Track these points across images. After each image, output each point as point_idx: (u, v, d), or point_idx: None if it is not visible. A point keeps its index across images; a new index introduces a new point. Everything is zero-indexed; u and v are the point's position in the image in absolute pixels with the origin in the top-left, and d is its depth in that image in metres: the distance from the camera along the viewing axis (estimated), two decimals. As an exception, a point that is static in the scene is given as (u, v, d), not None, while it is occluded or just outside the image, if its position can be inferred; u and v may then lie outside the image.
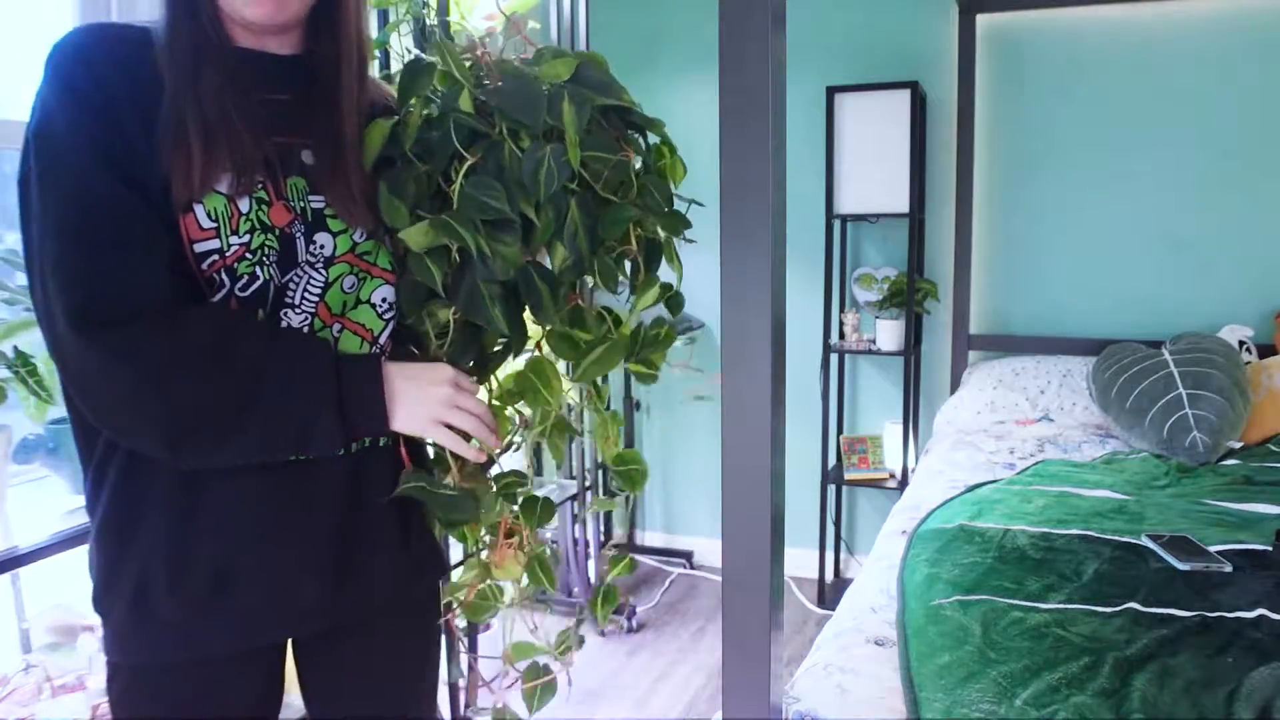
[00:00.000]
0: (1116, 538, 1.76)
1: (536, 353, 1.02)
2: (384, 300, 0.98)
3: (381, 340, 0.99)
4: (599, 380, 1.04)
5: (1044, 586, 1.54)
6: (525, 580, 1.08)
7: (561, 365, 1.02)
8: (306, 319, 0.92)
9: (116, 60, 0.84)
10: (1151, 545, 1.71)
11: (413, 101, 0.95)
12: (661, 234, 1.03)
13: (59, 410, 1.61)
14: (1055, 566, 1.62)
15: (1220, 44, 2.76)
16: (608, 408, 1.10)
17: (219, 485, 0.89)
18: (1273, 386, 2.48)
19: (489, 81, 0.93)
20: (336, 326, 0.95)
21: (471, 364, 1.02)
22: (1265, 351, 2.67)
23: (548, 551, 1.06)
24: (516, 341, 0.99)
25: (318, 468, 0.94)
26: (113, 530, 0.90)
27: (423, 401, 0.91)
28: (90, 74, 0.82)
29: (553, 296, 0.94)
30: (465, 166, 0.89)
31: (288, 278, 0.91)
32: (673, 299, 1.06)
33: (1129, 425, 2.48)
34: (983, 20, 2.97)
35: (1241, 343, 2.65)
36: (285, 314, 0.91)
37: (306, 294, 0.92)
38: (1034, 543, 1.74)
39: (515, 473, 1.05)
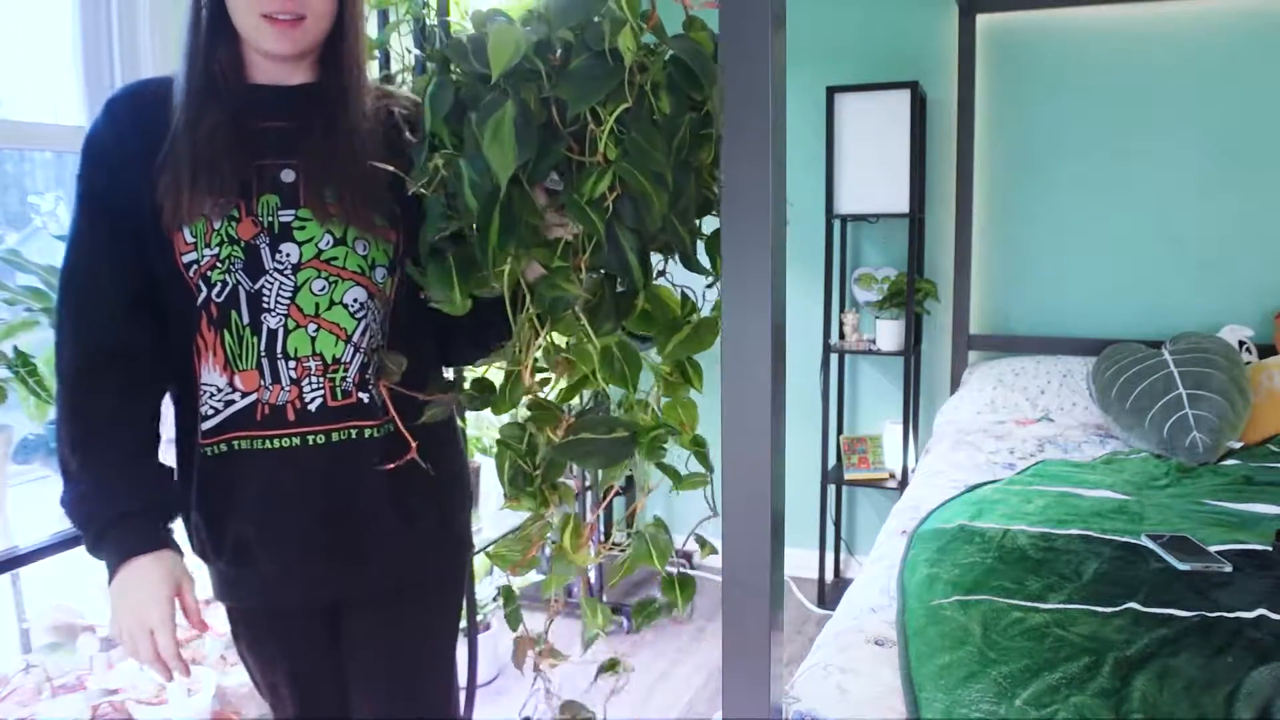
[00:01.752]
0: (1116, 538, 1.76)
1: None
2: (355, 300, 1.08)
3: (355, 337, 1.09)
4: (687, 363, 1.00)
5: (1044, 586, 1.54)
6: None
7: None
8: (281, 320, 1.06)
9: (136, 111, 1.06)
10: (1151, 545, 1.71)
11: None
12: None
13: (59, 410, 1.61)
14: (1055, 566, 1.62)
15: (1220, 44, 2.76)
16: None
17: (236, 468, 1.07)
18: (1273, 386, 2.48)
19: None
20: (312, 326, 1.07)
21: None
22: (1265, 351, 2.67)
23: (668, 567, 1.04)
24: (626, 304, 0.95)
25: (307, 455, 1.07)
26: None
27: (117, 614, 1.04)
28: (113, 128, 1.05)
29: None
30: (616, 111, 0.85)
31: (259, 284, 1.05)
32: None
33: (1129, 425, 2.49)
34: (983, 20, 2.97)
35: (1241, 343, 2.65)
36: (263, 316, 1.05)
37: (279, 298, 1.05)
38: (1034, 543, 1.74)
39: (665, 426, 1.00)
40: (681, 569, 1.00)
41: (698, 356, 1.01)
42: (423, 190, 0.93)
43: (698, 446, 1.02)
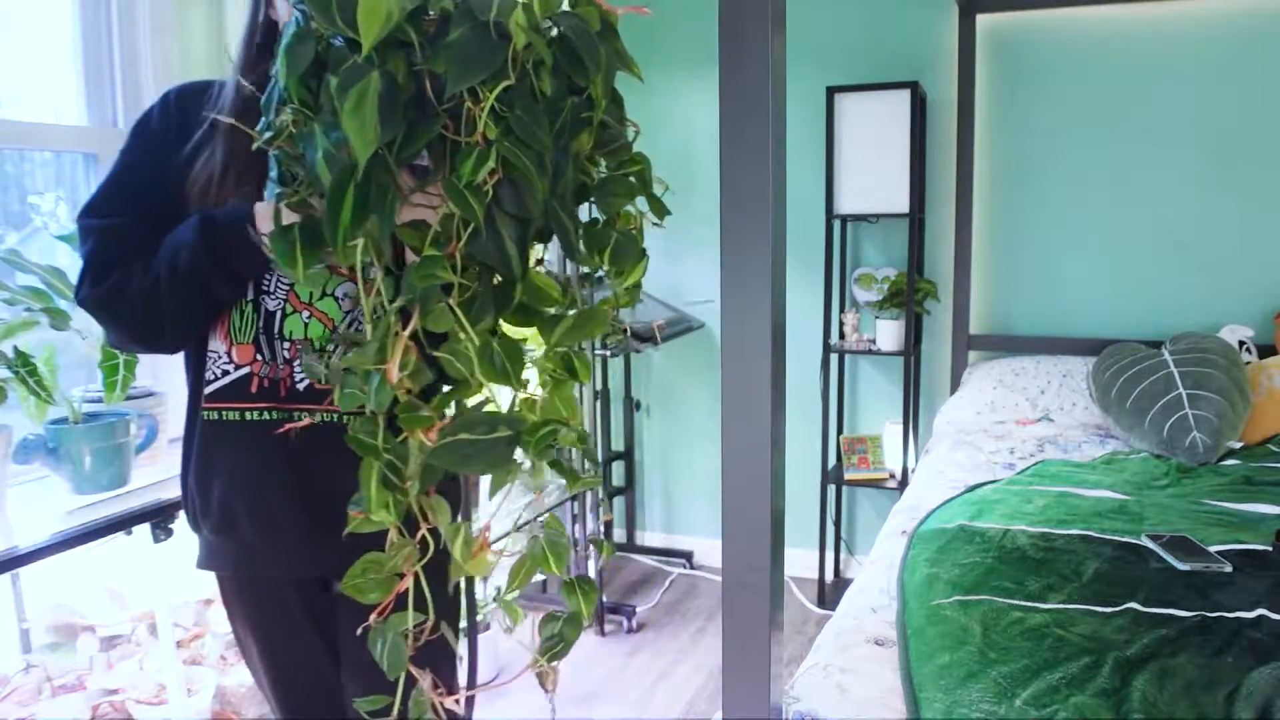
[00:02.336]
0: (1116, 538, 1.76)
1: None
2: (345, 295, 1.14)
3: (341, 328, 1.14)
4: (574, 354, 0.94)
5: (1044, 586, 1.54)
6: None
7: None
8: (280, 304, 1.13)
9: (185, 104, 1.14)
10: (1151, 545, 1.71)
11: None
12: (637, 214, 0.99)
13: (59, 410, 1.61)
14: (1055, 566, 1.62)
15: (1220, 44, 2.76)
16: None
17: (227, 436, 1.14)
18: (1273, 386, 2.48)
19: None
20: (305, 313, 1.13)
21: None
22: (1265, 351, 2.67)
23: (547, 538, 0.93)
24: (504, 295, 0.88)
25: (292, 432, 1.11)
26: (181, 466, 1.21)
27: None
28: (162, 113, 1.14)
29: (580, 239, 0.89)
30: (498, 89, 0.78)
31: (263, 270, 1.11)
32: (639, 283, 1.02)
33: (1129, 425, 2.49)
34: (983, 20, 2.97)
35: (1241, 343, 2.65)
36: (263, 298, 1.12)
37: (280, 284, 1.13)
38: (1034, 543, 1.74)
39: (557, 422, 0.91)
40: (582, 576, 0.94)
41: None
42: (266, 147, 0.86)
43: (581, 443, 0.95)
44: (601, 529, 3.36)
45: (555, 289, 0.89)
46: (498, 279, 0.86)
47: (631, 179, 0.94)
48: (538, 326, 0.89)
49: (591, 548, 2.93)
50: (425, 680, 0.88)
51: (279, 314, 1.12)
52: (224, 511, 1.15)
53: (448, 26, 0.78)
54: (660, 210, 0.99)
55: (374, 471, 0.83)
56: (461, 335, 0.82)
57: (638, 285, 0.99)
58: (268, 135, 0.85)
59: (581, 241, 0.91)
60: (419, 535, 0.87)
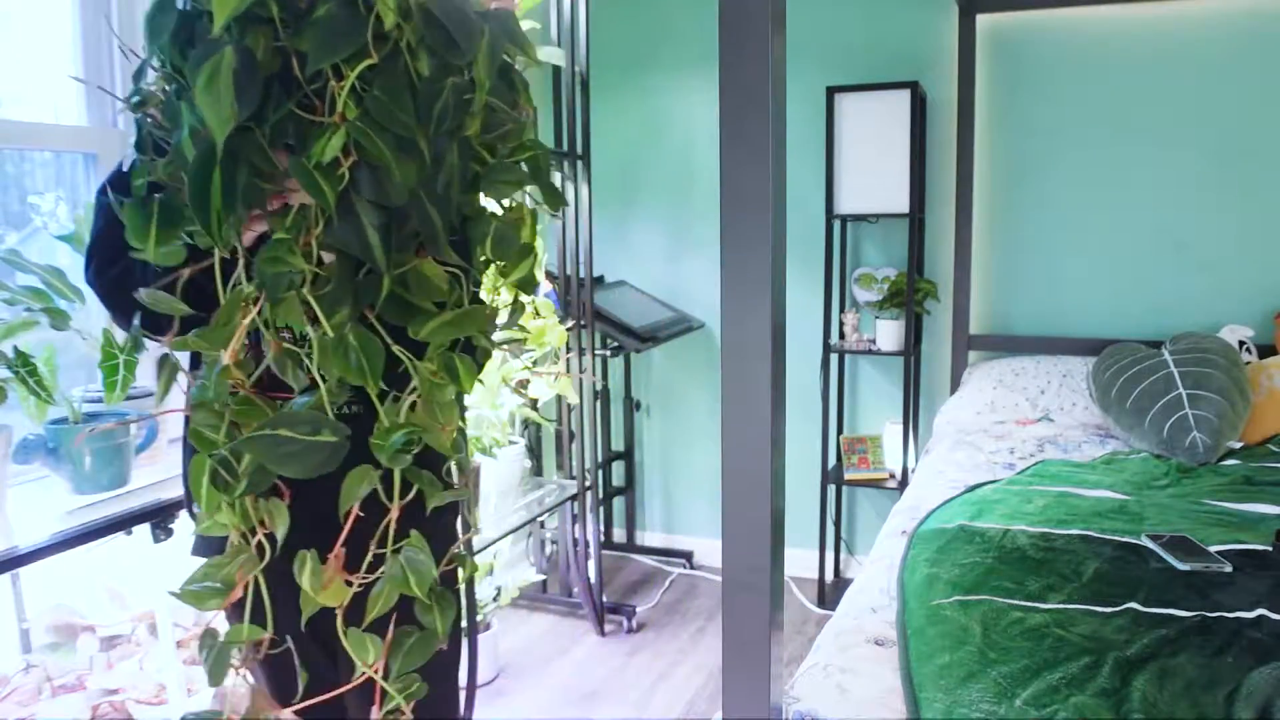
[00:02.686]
0: (1116, 538, 1.76)
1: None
2: None
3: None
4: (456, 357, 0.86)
5: (1044, 586, 1.54)
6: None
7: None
8: None
9: None
10: (1151, 545, 1.71)
11: None
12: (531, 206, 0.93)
13: (59, 410, 1.61)
14: (1055, 567, 1.62)
15: (1220, 44, 2.76)
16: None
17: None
18: (1273, 386, 2.48)
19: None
20: None
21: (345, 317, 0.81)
22: (1265, 351, 2.67)
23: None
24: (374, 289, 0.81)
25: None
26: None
27: None
28: None
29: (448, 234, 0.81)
30: (359, 68, 0.74)
31: None
32: (530, 277, 0.95)
33: (1129, 425, 2.49)
34: (983, 20, 2.97)
35: (1241, 343, 2.65)
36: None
37: None
38: (1034, 543, 1.74)
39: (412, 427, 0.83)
40: (447, 590, 0.87)
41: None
42: (134, 112, 0.82)
43: (454, 452, 0.88)
44: (582, 534, 3.36)
45: (442, 280, 0.83)
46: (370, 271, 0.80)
47: (522, 166, 0.87)
48: (413, 324, 0.83)
49: (591, 549, 2.93)
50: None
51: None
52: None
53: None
54: (555, 200, 0.93)
55: (203, 468, 0.76)
56: (311, 328, 0.77)
57: (530, 281, 0.92)
58: (135, 101, 0.81)
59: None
60: (256, 540, 0.80)
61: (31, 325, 1.56)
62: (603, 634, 2.92)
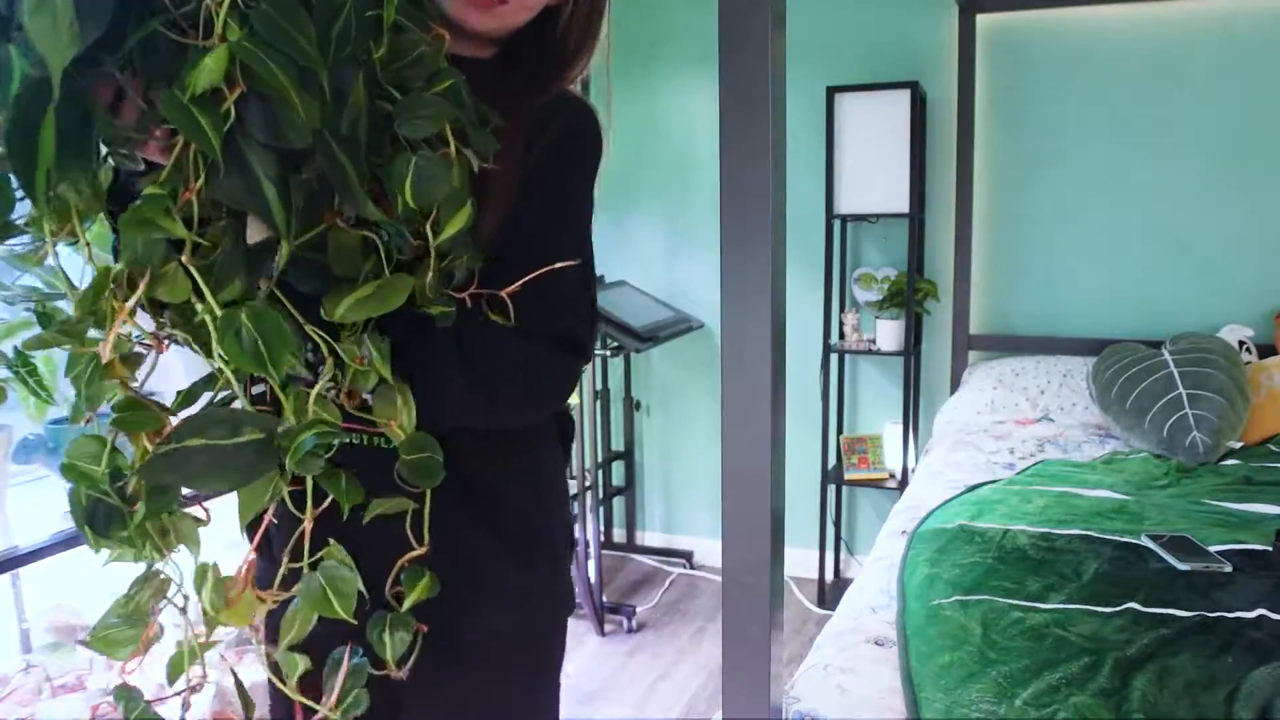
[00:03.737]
0: (1116, 538, 1.76)
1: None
2: None
3: None
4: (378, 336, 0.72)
5: (1044, 587, 1.54)
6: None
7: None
8: None
9: None
10: (1151, 545, 1.71)
11: None
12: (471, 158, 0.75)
13: (59, 410, 1.61)
14: (1055, 567, 1.62)
15: (1220, 44, 2.76)
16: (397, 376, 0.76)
17: None
18: (1273, 386, 2.48)
19: None
20: None
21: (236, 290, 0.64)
22: (1265, 351, 2.67)
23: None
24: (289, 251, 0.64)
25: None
26: None
27: None
28: None
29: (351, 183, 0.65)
30: None
31: None
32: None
33: (1129, 425, 2.49)
34: (983, 20, 2.97)
35: (1241, 343, 2.65)
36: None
37: None
38: (1034, 543, 1.74)
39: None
40: (397, 615, 0.76)
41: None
42: None
43: (418, 451, 0.74)
44: (581, 534, 3.36)
45: (355, 246, 0.69)
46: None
47: (443, 98, 0.71)
48: (327, 299, 0.69)
49: (591, 549, 2.93)
50: None
51: None
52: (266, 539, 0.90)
53: None
54: (485, 141, 0.75)
55: (80, 493, 0.64)
56: (199, 305, 0.62)
57: (465, 242, 0.74)
58: None
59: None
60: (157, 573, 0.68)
61: (31, 325, 1.56)
62: (603, 634, 2.92)
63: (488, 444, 0.90)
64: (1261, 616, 1.41)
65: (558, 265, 0.81)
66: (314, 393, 0.68)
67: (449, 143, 0.71)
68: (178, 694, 0.73)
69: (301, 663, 0.70)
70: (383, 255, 0.71)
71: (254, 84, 0.58)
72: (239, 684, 0.78)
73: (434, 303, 0.73)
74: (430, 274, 0.72)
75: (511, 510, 0.92)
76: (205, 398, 0.69)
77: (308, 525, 0.71)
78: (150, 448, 0.62)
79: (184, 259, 0.61)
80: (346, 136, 0.64)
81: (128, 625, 0.67)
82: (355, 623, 0.70)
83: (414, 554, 0.77)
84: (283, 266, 0.64)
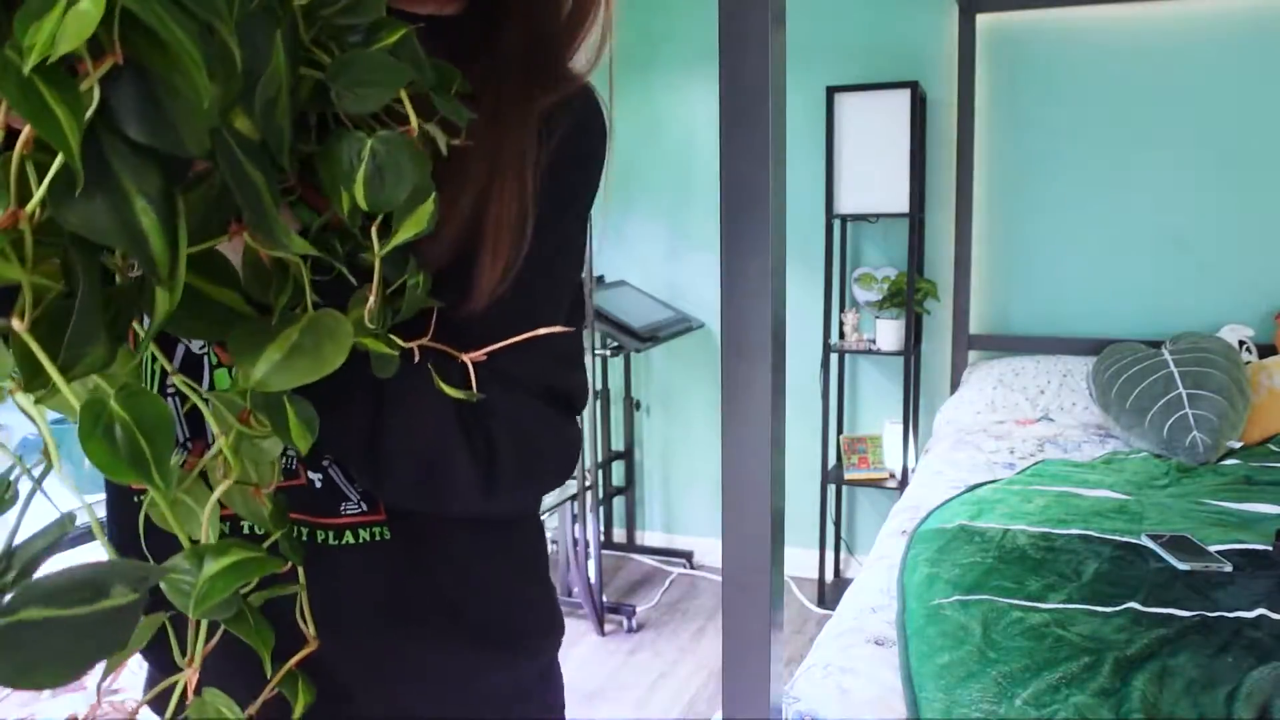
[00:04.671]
0: (1116, 537, 1.76)
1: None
2: None
3: None
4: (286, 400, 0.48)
5: (1044, 586, 1.54)
6: None
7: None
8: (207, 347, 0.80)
9: None
10: (1151, 545, 1.71)
11: None
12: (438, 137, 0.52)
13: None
14: (1055, 566, 1.63)
15: (1220, 44, 2.76)
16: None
17: None
18: (1273, 386, 2.48)
19: None
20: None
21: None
22: (1265, 351, 2.67)
23: None
24: (166, 301, 0.40)
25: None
26: None
27: None
28: None
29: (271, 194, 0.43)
30: None
31: None
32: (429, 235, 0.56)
33: (1129, 425, 2.49)
34: (983, 20, 2.97)
35: (1241, 343, 2.65)
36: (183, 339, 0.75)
37: None
38: (1034, 542, 1.74)
39: None
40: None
41: None
42: None
43: (275, 526, 0.52)
44: (581, 534, 3.36)
45: (264, 279, 0.48)
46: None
47: (392, 58, 0.48)
48: (230, 347, 0.46)
49: (591, 549, 2.93)
50: None
51: (204, 361, 0.64)
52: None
53: None
54: (455, 109, 0.52)
55: None
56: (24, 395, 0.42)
57: (414, 260, 0.53)
58: None
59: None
60: None
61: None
62: (603, 634, 2.92)
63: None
64: (1261, 616, 1.41)
65: (552, 330, 0.59)
66: (210, 503, 0.46)
67: (408, 118, 0.49)
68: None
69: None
70: (304, 282, 0.49)
71: (131, 52, 0.36)
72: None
73: (375, 338, 0.52)
74: (372, 296, 0.50)
75: (483, 595, 0.71)
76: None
77: (190, 676, 0.47)
78: None
79: (17, 320, 0.38)
80: (269, 122, 0.43)
81: None
82: None
83: (305, 651, 0.54)
84: (162, 319, 0.41)
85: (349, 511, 0.65)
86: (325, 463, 0.65)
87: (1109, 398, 2.57)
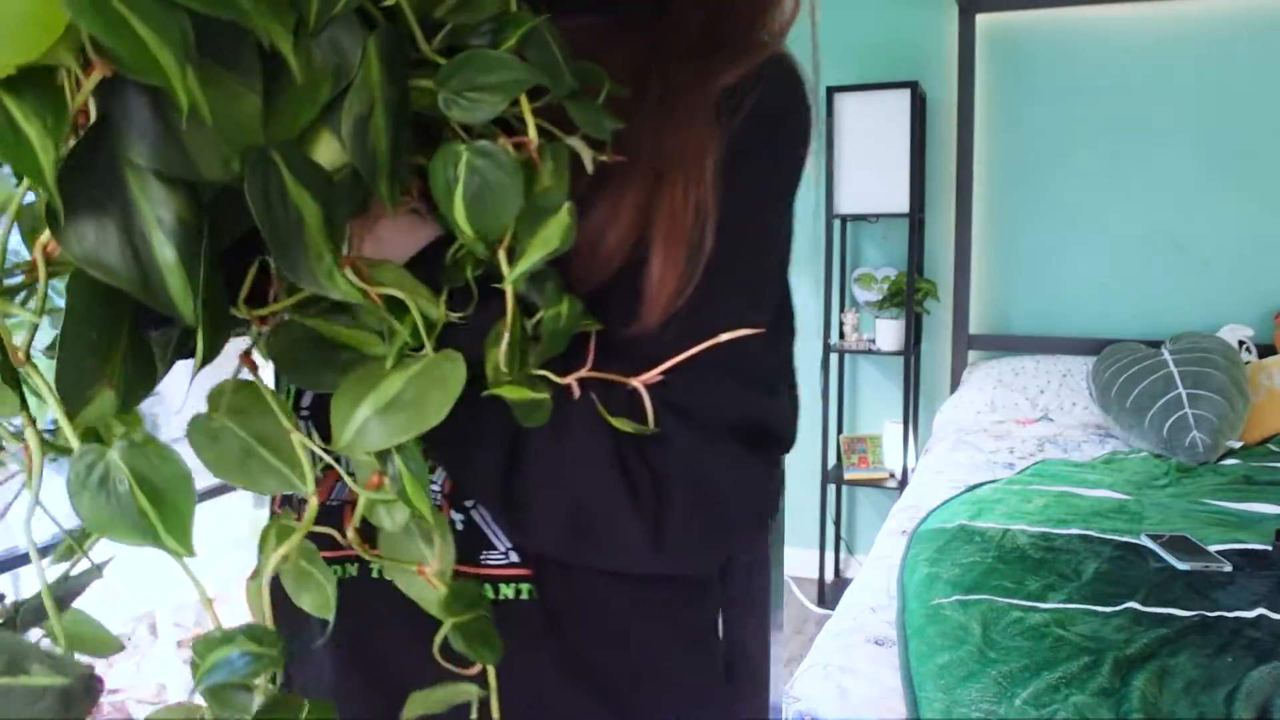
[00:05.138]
0: (1116, 537, 1.76)
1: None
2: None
3: None
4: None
5: (1044, 586, 1.54)
6: None
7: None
8: None
9: None
10: (1151, 545, 1.72)
11: None
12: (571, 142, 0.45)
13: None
14: (1055, 566, 1.63)
15: (1220, 44, 2.76)
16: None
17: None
18: (1272, 386, 2.48)
19: None
20: None
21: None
22: (1265, 351, 2.67)
23: None
24: (210, 345, 0.35)
25: None
26: None
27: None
28: None
29: (330, 235, 0.36)
30: None
31: None
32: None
33: (1129, 425, 2.49)
34: (983, 20, 2.97)
35: (1241, 342, 2.65)
36: None
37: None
38: (1034, 542, 1.74)
39: None
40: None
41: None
42: None
43: (468, 608, 0.44)
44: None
45: (371, 324, 0.41)
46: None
47: (514, 58, 0.40)
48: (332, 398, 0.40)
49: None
50: None
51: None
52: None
53: None
54: (598, 122, 0.44)
55: None
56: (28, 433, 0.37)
57: (553, 284, 0.46)
58: None
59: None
60: None
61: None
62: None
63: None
64: (1261, 616, 1.41)
65: (736, 335, 0.49)
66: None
67: (527, 128, 0.42)
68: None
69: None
70: (436, 314, 0.42)
71: (121, 69, 0.30)
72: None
73: (511, 383, 0.44)
74: (505, 335, 0.43)
75: (641, 673, 0.58)
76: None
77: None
78: None
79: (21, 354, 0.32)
80: (362, 148, 0.37)
81: None
82: None
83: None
84: (201, 365, 0.35)
85: (491, 561, 0.54)
86: (469, 502, 0.55)
87: (1109, 398, 2.57)
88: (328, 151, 0.37)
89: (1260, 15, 2.71)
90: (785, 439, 0.58)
